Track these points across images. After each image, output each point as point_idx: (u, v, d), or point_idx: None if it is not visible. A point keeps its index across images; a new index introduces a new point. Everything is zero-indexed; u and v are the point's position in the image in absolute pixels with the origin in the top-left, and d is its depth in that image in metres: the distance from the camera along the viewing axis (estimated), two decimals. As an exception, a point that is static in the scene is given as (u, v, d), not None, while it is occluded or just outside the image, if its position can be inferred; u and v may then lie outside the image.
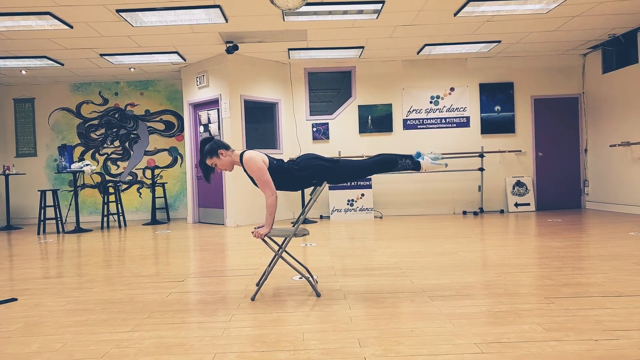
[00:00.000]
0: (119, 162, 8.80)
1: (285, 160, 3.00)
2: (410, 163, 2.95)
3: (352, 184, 7.59)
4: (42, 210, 7.08)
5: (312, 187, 3.06)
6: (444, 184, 7.98)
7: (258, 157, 2.85)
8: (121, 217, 8.49)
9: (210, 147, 2.88)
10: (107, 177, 8.79)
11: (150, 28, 5.75)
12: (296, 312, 2.59)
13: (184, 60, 7.36)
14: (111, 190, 8.35)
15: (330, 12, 5.42)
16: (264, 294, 2.99)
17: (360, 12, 5.44)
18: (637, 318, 2.29)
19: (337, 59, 7.57)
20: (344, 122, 8.01)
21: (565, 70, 7.97)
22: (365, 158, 3.12)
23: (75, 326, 2.48)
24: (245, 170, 2.89)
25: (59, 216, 7.17)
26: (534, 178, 8.01)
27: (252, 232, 2.86)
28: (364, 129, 8.00)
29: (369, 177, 7.63)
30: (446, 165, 3.09)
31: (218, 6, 5.10)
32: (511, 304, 2.59)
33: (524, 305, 2.56)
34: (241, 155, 2.87)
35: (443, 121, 7.97)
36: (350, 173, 2.97)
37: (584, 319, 2.30)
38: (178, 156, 8.78)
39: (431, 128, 7.98)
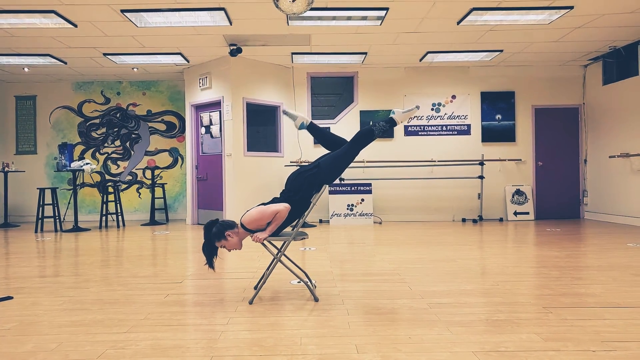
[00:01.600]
0: (119, 162, 8.80)
1: (278, 195, 3.00)
2: (384, 124, 2.96)
3: (352, 189, 7.60)
4: (41, 208, 7.07)
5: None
6: (443, 190, 7.98)
7: (251, 209, 2.85)
8: (120, 217, 8.48)
9: (217, 229, 2.77)
10: (107, 177, 8.79)
11: (155, 29, 5.77)
12: (294, 316, 2.58)
13: (187, 61, 7.38)
14: (110, 189, 8.34)
15: (334, 18, 5.44)
16: (262, 298, 2.98)
17: (364, 18, 5.47)
18: (634, 329, 2.29)
19: (340, 64, 7.59)
20: (345, 127, 8.02)
21: (566, 80, 8.00)
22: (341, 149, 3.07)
23: (71, 326, 2.46)
24: (253, 230, 2.83)
25: (57, 215, 7.16)
26: (534, 187, 8.02)
27: (251, 236, 2.85)
28: (364, 134, 7.99)
29: (369, 181, 7.66)
30: (417, 107, 3.10)
31: (223, 9, 5.12)
32: (509, 312, 2.59)
33: (522, 314, 2.56)
34: (241, 224, 2.83)
35: (444, 128, 7.99)
36: (338, 165, 2.95)
37: (582, 330, 2.29)
38: (179, 157, 8.78)
39: (432, 135, 7.99)
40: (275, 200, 2.93)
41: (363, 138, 2.94)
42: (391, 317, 2.53)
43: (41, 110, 8.76)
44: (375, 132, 2.93)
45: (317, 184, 2.90)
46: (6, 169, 7.57)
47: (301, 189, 2.89)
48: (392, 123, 2.98)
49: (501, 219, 7.90)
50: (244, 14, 5.31)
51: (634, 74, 6.74)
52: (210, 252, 2.79)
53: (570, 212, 8.06)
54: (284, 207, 2.79)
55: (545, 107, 8.02)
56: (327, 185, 2.95)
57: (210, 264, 2.79)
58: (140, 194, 8.79)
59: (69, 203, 8.52)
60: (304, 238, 2.95)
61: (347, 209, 7.58)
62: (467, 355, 1.99)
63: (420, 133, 8.00)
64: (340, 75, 8.07)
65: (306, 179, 2.89)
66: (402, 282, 3.37)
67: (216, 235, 2.78)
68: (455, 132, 7.98)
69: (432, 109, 8.00)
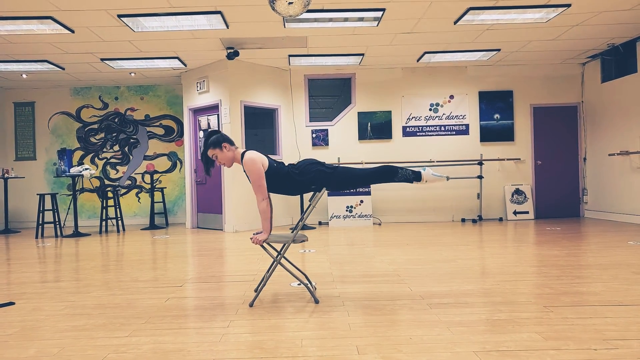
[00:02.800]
0: (118, 167, 8.80)
1: (286, 164, 3.01)
2: (411, 173, 2.97)
3: (351, 190, 7.60)
4: (41, 214, 7.07)
5: (312, 193, 3.06)
6: (443, 191, 7.98)
7: (258, 160, 2.87)
8: (120, 222, 8.47)
9: (216, 138, 2.92)
10: (106, 182, 8.79)
11: (152, 33, 5.77)
12: (295, 318, 2.58)
13: (185, 65, 7.39)
14: (110, 194, 8.34)
15: (331, 19, 5.45)
16: (262, 300, 2.98)
17: (361, 19, 5.48)
18: (636, 327, 2.29)
19: (337, 65, 7.60)
20: (343, 129, 8.03)
21: (565, 79, 8.01)
22: (364, 167, 3.13)
23: (72, 331, 2.46)
24: (244, 170, 2.93)
25: (57, 220, 7.15)
26: (533, 186, 8.02)
27: (251, 238, 2.86)
28: (363, 135, 8.02)
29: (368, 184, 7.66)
30: (447, 178, 3.10)
31: (219, 12, 5.13)
32: (510, 312, 2.59)
33: (522, 313, 2.56)
34: (243, 154, 2.90)
35: (442, 129, 7.99)
36: (350, 180, 2.98)
37: (583, 328, 2.29)
38: (177, 161, 8.78)
39: (430, 135, 8.00)
40: (281, 165, 2.96)
41: (385, 173, 2.96)
42: (392, 318, 2.53)
43: (40, 116, 8.76)
44: (399, 174, 2.96)
45: (320, 180, 2.91)
46: (6, 175, 7.57)
47: (306, 174, 2.91)
48: (418, 177, 2.98)
49: (501, 219, 7.90)
50: (240, 17, 5.32)
51: (632, 71, 6.75)
52: (207, 160, 2.96)
53: (570, 210, 8.06)
54: (265, 203, 2.84)
55: (543, 106, 8.02)
56: (326, 190, 2.95)
57: (207, 171, 2.97)
58: (139, 198, 8.79)
59: (68, 208, 8.51)
60: (304, 240, 2.95)
61: (347, 210, 7.58)
62: (468, 355, 1.99)
63: (418, 133, 8.00)
64: (337, 77, 8.08)
65: (316, 171, 2.91)
66: (402, 282, 3.37)
67: (213, 143, 2.91)
68: (454, 132, 7.99)
69: (430, 109, 8.00)
